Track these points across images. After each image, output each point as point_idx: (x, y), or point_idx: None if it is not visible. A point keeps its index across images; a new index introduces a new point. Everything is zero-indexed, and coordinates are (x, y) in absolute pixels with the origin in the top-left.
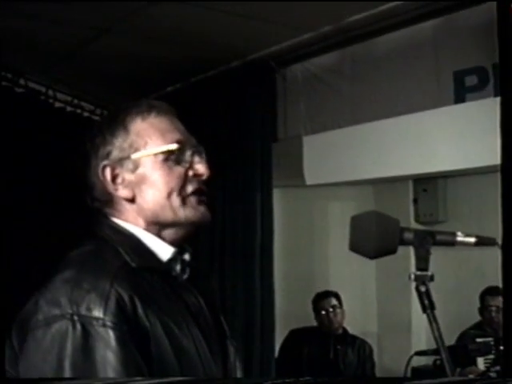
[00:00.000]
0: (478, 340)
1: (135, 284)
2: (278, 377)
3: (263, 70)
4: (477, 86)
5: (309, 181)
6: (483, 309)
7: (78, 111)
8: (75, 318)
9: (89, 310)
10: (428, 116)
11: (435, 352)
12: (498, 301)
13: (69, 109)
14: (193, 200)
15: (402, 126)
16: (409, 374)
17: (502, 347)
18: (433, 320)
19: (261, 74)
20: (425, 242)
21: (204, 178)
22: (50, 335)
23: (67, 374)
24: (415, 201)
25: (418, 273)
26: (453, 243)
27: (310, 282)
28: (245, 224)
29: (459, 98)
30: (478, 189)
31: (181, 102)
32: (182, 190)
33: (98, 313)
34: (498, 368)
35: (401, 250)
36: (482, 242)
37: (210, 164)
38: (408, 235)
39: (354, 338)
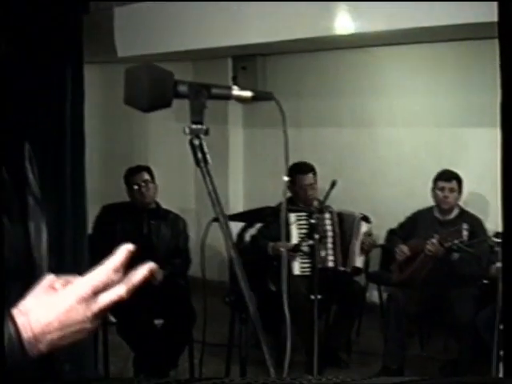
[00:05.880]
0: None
1: None
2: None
3: None
4: None
5: (120, 53)
6: (292, 184)
7: None
8: None
9: None
10: None
11: (233, 217)
12: (308, 178)
13: None
14: None
15: None
16: (206, 238)
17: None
18: (206, 174)
19: None
20: (200, 95)
21: None
22: None
23: None
24: (234, 78)
25: (193, 126)
26: (228, 97)
27: (128, 159)
28: (54, 102)
29: None
30: (296, 68)
31: None
32: None
33: None
34: (310, 242)
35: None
36: (259, 96)
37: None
38: (182, 88)
39: (167, 212)
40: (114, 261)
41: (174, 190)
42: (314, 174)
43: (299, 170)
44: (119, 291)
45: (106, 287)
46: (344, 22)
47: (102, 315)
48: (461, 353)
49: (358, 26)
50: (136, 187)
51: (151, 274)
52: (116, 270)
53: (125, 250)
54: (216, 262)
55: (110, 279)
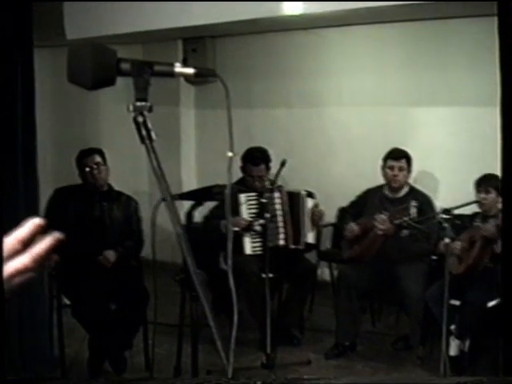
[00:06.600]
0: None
1: None
2: None
3: None
4: None
5: (70, 35)
6: (244, 170)
7: None
8: None
9: None
10: None
11: (182, 196)
12: (259, 169)
13: None
14: None
15: None
16: (157, 219)
17: None
18: (151, 150)
19: None
20: (143, 73)
21: None
22: None
23: None
24: (184, 61)
25: (137, 103)
26: (172, 74)
27: (80, 141)
28: (3, 86)
29: None
30: (246, 50)
31: None
32: None
33: None
34: (262, 221)
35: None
36: (201, 72)
37: None
38: (125, 65)
39: (119, 194)
40: (20, 233)
41: (127, 172)
42: (267, 164)
43: (251, 160)
44: (23, 260)
45: (10, 257)
46: (292, 4)
47: (7, 282)
48: (412, 328)
49: (306, 8)
50: (88, 169)
51: (57, 242)
52: (21, 242)
53: (31, 224)
54: (169, 244)
55: (13, 250)
